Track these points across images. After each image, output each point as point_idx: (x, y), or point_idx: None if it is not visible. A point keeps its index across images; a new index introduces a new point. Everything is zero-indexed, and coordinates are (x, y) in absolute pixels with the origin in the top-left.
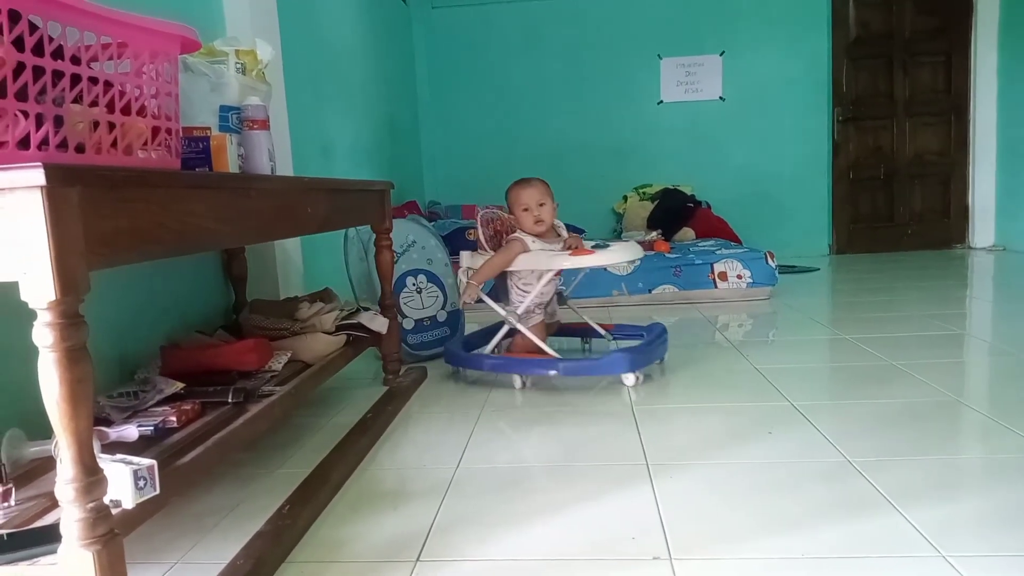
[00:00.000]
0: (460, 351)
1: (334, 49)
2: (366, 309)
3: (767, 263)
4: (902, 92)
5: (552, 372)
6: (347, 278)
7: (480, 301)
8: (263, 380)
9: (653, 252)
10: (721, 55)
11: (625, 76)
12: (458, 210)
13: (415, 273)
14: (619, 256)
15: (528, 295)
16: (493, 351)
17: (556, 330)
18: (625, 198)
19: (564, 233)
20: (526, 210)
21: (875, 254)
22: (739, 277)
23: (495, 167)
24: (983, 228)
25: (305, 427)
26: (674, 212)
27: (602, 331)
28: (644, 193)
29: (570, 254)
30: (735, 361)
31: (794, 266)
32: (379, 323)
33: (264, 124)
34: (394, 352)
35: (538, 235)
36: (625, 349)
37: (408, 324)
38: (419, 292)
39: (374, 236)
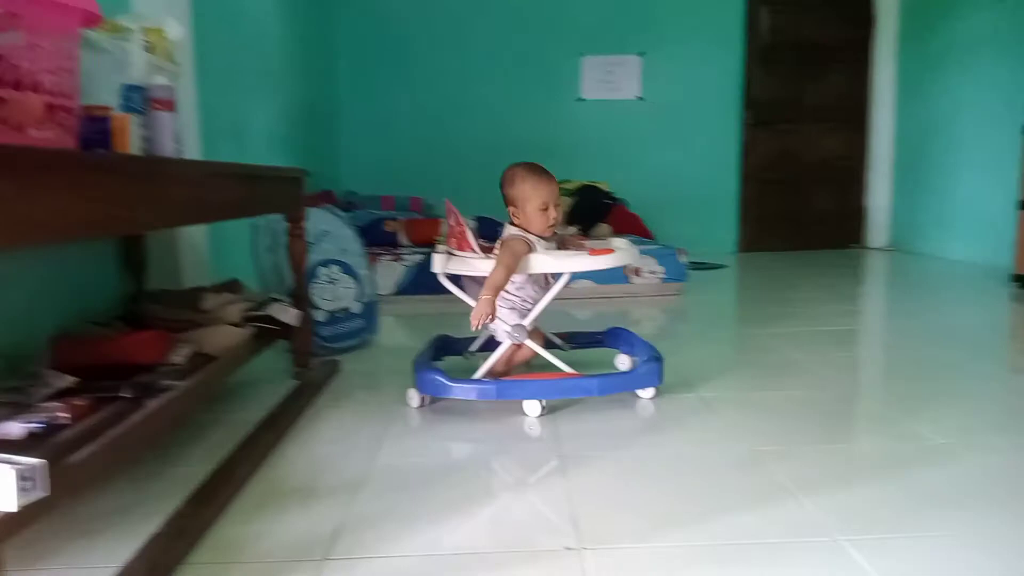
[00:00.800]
0: (441, 377)
1: (250, 31)
2: (277, 301)
3: (679, 260)
4: (809, 98)
5: (586, 394)
6: (256, 269)
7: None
8: (163, 374)
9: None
10: (641, 56)
11: (547, 72)
12: (376, 201)
13: (328, 263)
14: (632, 254)
15: (514, 302)
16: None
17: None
18: None
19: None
20: (544, 209)
21: (779, 252)
22: (653, 273)
23: (415, 159)
24: (878, 229)
25: (209, 423)
26: (592, 209)
27: (558, 340)
28: (564, 189)
29: (589, 252)
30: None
31: (703, 263)
32: (290, 315)
33: (170, 105)
34: (305, 345)
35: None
36: (649, 360)
37: (321, 316)
38: (332, 283)
39: (286, 225)
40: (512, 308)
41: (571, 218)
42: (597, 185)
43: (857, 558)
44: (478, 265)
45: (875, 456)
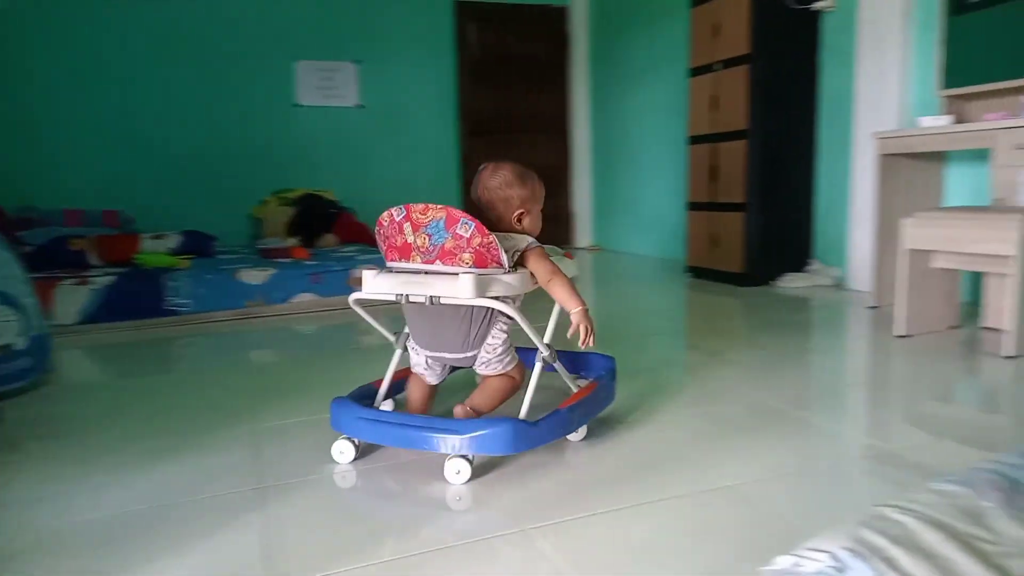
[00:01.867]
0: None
1: None
2: None
3: None
4: (520, 110)
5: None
6: None
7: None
8: None
9: (291, 259)
10: (357, 63)
11: (261, 76)
12: (59, 215)
13: None
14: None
15: (510, 324)
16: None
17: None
18: (264, 203)
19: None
20: (542, 211)
21: None
22: None
23: (120, 170)
24: (583, 230)
25: None
26: (315, 218)
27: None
28: (284, 198)
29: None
30: (368, 367)
31: None
32: None
33: None
34: None
35: None
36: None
37: None
38: None
39: None
40: (504, 333)
41: (293, 228)
42: (321, 194)
43: (542, 545)
44: (510, 283)
45: (545, 450)
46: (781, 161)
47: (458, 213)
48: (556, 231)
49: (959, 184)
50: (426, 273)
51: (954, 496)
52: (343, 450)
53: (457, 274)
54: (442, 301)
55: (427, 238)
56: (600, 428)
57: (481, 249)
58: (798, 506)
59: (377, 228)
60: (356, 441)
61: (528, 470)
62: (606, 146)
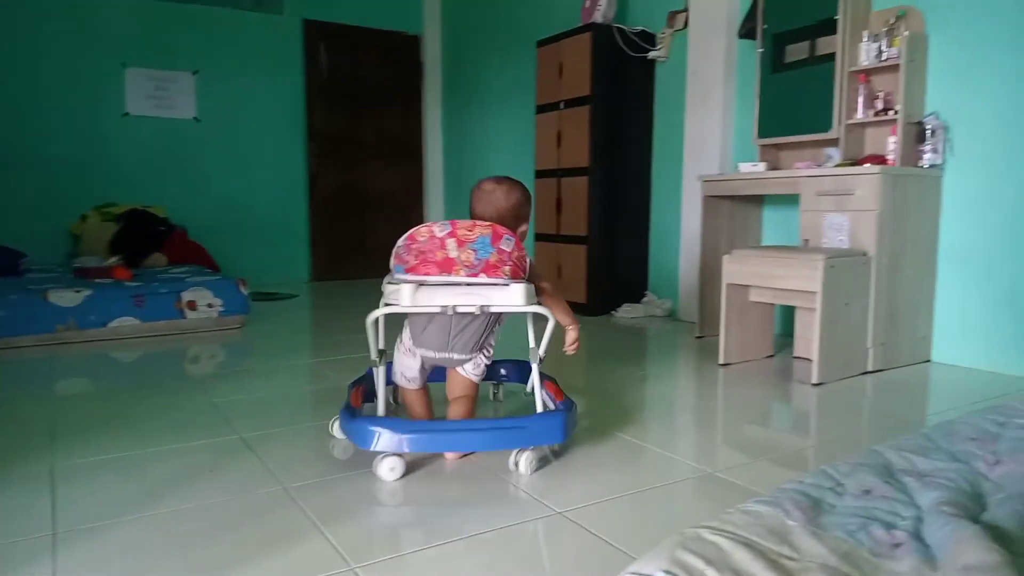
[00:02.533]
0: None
1: None
2: None
3: (239, 291)
4: (368, 134)
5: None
6: None
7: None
8: None
9: (111, 280)
10: (194, 74)
11: (84, 81)
12: None
13: None
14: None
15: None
16: None
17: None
18: (84, 218)
19: None
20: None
21: (350, 280)
22: (210, 306)
23: None
24: None
25: None
26: (143, 236)
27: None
28: (108, 213)
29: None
30: (194, 397)
31: (274, 293)
32: None
33: None
34: None
35: None
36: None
37: None
38: None
39: None
40: (492, 346)
41: (116, 245)
42: (150, 210)
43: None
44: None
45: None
46: (620, 198)
47: (501, 229)
48: None
49: (775, 225)
50: (468, 284)
51: (763, 516)
52: (393, 467)
53: (507, 285)
54: (492, 309)
55: (472, 253)
56: (430, 460)
57: (517, 262)
58: (627, 529)
59: (406, 242)
60: (404, 456)
61: (356, 504)
62: (458, 173)
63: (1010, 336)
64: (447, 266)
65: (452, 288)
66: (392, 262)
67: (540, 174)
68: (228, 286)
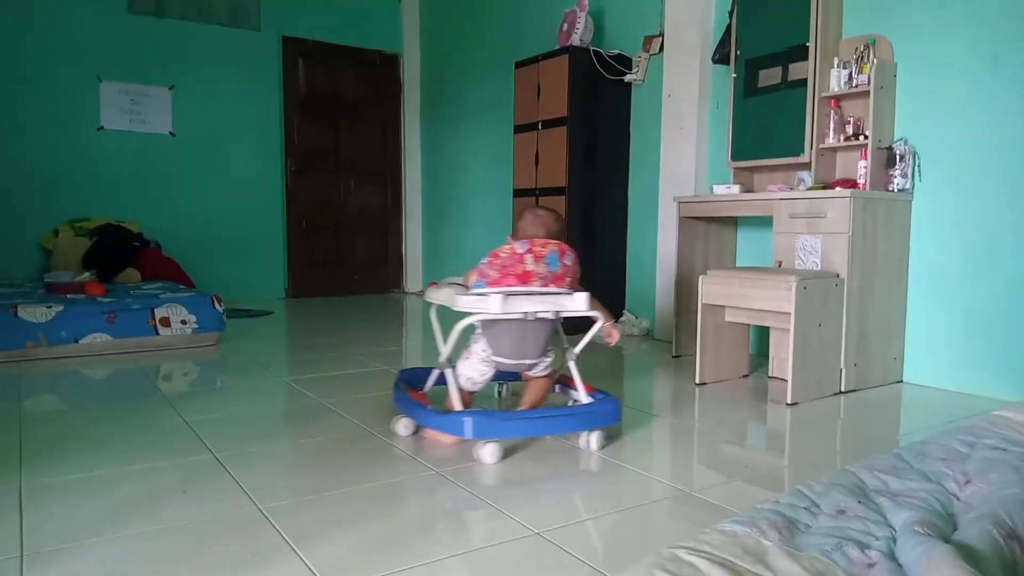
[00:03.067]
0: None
1: None
2: None
3: (214, 307)
4: (346, 151)
5: None
6: None
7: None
8: None
9: (83, 295)
10: (170, 89)
11: (59, 94)
12: None
13: None
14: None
15: None
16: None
17: None
18: (56, 232)
19: None
20: None
21: (327, 297)
22: (184, 323)
23: None
24: (414, 275)
25: None
26: (116, 251)
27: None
28: (81, 228)
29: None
30: (166, 416)
31: (249, 310)
32: None
33: None
34: None
35: None
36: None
37: None
38: None
39: None
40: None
41: (89, 261)
42: (123, 224)
43: None
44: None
45: (379, 494)
46: (598, 218)
47: (565, 246)
48: (387, 274)
49: (749, 246)
50: (542, 294)
51: (739, 536)
52: (494, 451)
53: (570, 294)
54: (564, 314)
55: (545, 266)
56: (419, 478)
57: (574, 274)
58: (604, 549)
59: (491, 259)
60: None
61: (331, 524)
62: (437, 191)
63: (978, 357)
64: (525, 277)
65: (531, 297)
66: (472, 278)
67: (518, 192)
68: (202, 302)
